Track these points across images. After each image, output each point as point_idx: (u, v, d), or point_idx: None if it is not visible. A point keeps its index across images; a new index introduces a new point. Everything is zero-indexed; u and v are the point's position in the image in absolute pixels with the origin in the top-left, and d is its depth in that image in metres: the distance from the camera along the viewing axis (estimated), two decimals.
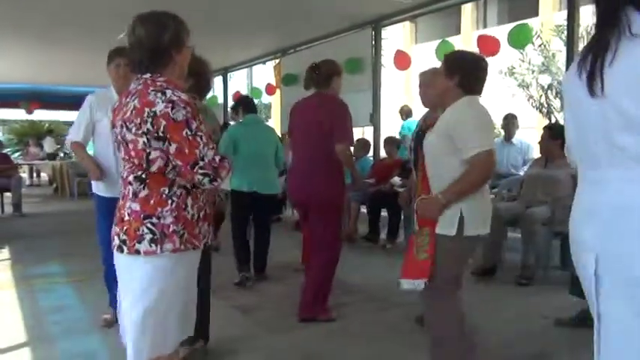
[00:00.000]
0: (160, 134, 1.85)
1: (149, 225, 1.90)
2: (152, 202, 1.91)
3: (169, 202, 1.92)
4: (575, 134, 1.49)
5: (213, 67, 3.43)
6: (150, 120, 1.85)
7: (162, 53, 1.96)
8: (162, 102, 1.85)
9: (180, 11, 2.05)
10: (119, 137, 1.96)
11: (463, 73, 2.57)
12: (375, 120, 7.23)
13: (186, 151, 1.86)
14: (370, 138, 7.54)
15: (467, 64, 2.62)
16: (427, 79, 3.43)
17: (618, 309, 1.36)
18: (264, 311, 4.06)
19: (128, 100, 1.94)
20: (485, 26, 19.45)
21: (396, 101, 19.26)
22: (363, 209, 6.80)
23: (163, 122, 1.84)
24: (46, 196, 12.19)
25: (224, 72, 12.00)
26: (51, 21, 7.31)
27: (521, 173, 6.01)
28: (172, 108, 1.85)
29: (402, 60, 7.13)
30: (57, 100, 14.57)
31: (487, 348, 3.30)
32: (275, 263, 5.27)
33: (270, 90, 10.51)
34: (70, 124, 17.19)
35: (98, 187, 3.57)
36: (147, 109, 1.85)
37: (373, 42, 7.31)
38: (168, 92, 1.87)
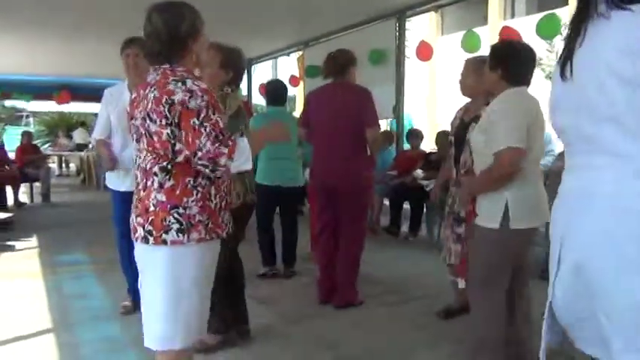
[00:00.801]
0: (176, 121, 1.87)
1: (176, 215, 1.92)
2: (178, 192, 1.93)
3: (195, 192, 1.95)
4: (555, 120, 1.46)
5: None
6: (167, 107, 1.86)
7: (180, 43, 1.96)
8: (182, 91, 1.86)
9: (204, 3, 2.05)
10: (141, 129, 1.96)
11: (507, 65, 2.49)
12: (398, 112, 7.17)
13: (190, 139, 1.87)
14: (393, 129, 7.49)
15: (511, 54, 2.53)
16: (467, 68, 3.34)
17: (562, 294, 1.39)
18: (284, 302, 4.07)
19: (147, 91, 1.94)
20: (513, 16, 19.10)
21: (421, 93, 19.10)
22: (385, 202, 6.77)
23: (179, 109, 1.86)
24: (74, 186, 12.43)
25: (248, 64, 12.03)
26: (81, 14, 7.42)
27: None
28: (190, 97, 1.86)
29: (425, 51, 7.04)
30: (87, 92, 14.81)
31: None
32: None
33: (293, 82, 10.49)
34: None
35: (110, 181, 3.64)
36: (165, 97, 1.86)
37: (397, 33, 7.22)
38: (189, 82, 1.89)
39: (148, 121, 1.91)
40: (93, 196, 10.44)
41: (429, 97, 20.72)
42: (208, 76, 2.94)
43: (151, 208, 1.94)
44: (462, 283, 2.64)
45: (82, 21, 7.73)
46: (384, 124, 9.72)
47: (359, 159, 3.82)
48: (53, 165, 14.17)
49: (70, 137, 15.08)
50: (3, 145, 9.53)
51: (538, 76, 14.33)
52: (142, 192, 1.99)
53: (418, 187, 6.24)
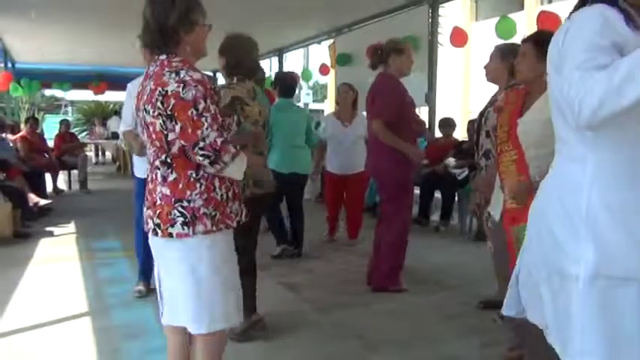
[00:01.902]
0: (169, 113, 1.86)
1: (180, 209, 1.93)
2: (181, 185, 1.93)
3: (198, 185, 1.94)
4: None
5: (265, 47, 3.41)
6: (160, 99, 1.86)
7: (170, 33, 1.93)
8: (175, 82, 1.85)
9: None
10: (142, 121, 1.98)
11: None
12: (430, 100, 7.07)
13: (189, 131, 1.85)
14: (425, 118, 7.40)
15: None
16: (494, 54, 3.25)
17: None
18: (313, 289, 4.09)
19: (146, 83, 1.95)
20: (550, 1, 18.58)
21: (454, 81, 18.79)
22: (416, 190, 6.70)
23: (172, 101, 1.85)
24: (110, 174, 12.70)
25: (279, 52, 12.03)
26: (118, 5, 7.55)
27: None
28: (183, 87, 1.85)
29: (459, 37, 6.91)
30: (123, 81, 15.10)
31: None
32: (322, 243, 5.32)
33: (324, 70, 10.46)
34: None
35: (138, 169, 3.73)
36: (159, 89, 1.86)
37: (430, 20, 7.11)
38: (182, 72, 1.87)
39: (144, 113, 1.93)
40: (128, 183, 10.57)
41: (463, 84, 20.40)
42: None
43: (158, 202, 1.97)
44: None
45: (119, 12, 7.85)
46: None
47: (385, 151, 3.86)
48: (90, 153, 14.50)
49: (105, 126, 15.39)
50: (43, 134, 9.79)
51: None
52: (149, 184, 2.03)
53: (450, 175, 6.16)
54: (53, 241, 5.67)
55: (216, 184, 1.98)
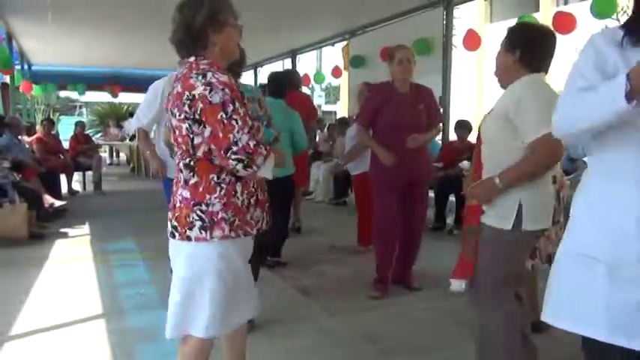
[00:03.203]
0: (197, 117, 1.84)
1: (198, 212, 1.92)
2: (201, 189, 1.93)
3: (218, 189, 1.93)
4: None
5: (279, 49, 3.39)
6: (188, 103, 1.85)
7: (198, 34, 1.93)
8: (202, 85, 1.84)
9: None
10: (169, 123, 1.99)
11: (525, 48, 2.28)
12: (444, 102, 7.03)
13: (220, 135, 1.84)
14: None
15: (530, 37, 2.32)
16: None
17: None
18: (326, 293, 4.07)
19: (175, 85, 1.95)
20: (566, 2, 18.42)
21: (467, 83, 18.68)
22: (430, 194, 6.66)
23: (200, 105, 1.83)
24: (124, 175, 12.79)
25: (292, 54, 12.04)
26: (133, 9, 7.61)
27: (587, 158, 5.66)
28: (210, 90, 1.83)
29: (472, 40, 6.86)
30: (136, 83, 15.20)
31: (566, 342, 3.17)
32: (337, 246, 5.30)
33: (336, 72, 10.46)
34: None
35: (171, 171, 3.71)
36: (186, 93, 1.85)
37: (444, 22, 7.08)
38: (209, 75, 1.86)
39: (171, 116, 1.93)
40: (142, 184, 10.71)
41: (477, 87, 20.27)
42: None
43: (177, 204, 1.97)
44: (455, 285, 2.41)
45: (134, 14, 7.91)
46: None
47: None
48: (104, 154, 14.61)
49: (120, 127, 15.50)
50: (58, 135, 9.88)
51: None
52: (173, 187, 2.03)
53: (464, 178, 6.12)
54: (68, 242, 5.72)
55: (238, 189, 1.96)
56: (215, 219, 1.92)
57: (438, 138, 7.37)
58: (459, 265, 2.45)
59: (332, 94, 31.38)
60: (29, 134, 9.21)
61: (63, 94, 23.87)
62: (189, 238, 1.94)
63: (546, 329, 3.29)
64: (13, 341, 3.20)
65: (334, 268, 4.78)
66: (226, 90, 1.85)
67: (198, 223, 1.92)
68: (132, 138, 13.96)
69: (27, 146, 8.04)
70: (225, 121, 1.83)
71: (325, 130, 10.06)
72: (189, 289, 1.98)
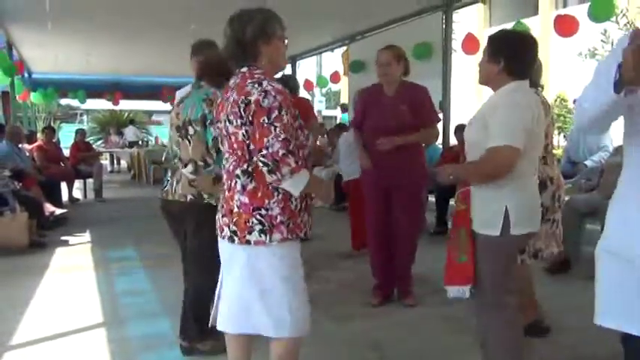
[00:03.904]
0: (249, 119, 1.95)
1: (258, 216, 2.01)
2: (259, 194, 2.01)
3: (275, 193, 2.02)
4: None
5: None
6: (243, 107, 1.95)
7: (248, 46, 2.03)
8: (257, 92, 1.94)
9: (247, 3, 2.07)
10: (223, 131, 2.07)
11: (508, 56, 2.29)
12: (444, 107, 7.02)
13: (257, 136, 1.94)
14: (439, 125, 7.34)
15: (511, 45, 2.33)
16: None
17: None
18: (328, 299, 4.05)
19: (229, 94, 2.04)
20: (565, 5, 18.45)
21: (467, 87, 18.70)
22: (431, 198, 6.65)
23: (253, 108, 1.94)
24: (125, 182, 12.78)
25: (292, 60, 12.04)
26: (134, 19, 7.64)
27: (589, 162, 5.66)
28: (264, 96, 1.94)
29: (472, 44, 6.86)
30: (136, 90, 15.23)
31: (567, 345, 3.16)
32: (336, 251, 5.28)
33: (335, 78, 10.48)
34: (149, 113, 17.96)
35: None
36: (242, 98, 1.96)
37: (444, 26, 7.08)
38: (264, 83, 1.97)
39: (227, 123, 2.02)
40: (143, 192, 10.70)
41: (477, 91, 20.27)
42: None
43: (235, 210, 2.04)
44: (454, 292, 2.42)
45: (133, 22, 7.93)
46: None
47: None
48: (105, 162, 14.61)
49: (120, 134, 15.51)
50: (59, 143, 9.88)
51: (592, 67, 13.76)
52: (227, 192, 2.10)
53: None
54: (69, 251, 5.70)
55: (281, 186, 2.02)
56: (274, 222, 2.02)
57: (439, 142, 7.37)
58: (452, 271, 2.44)
59: (332, 99, 31.43)
60: (30, 142, 9.22)
61: (64, 101, 23.86)
62: (248, 242, 2.02)
63: (547, 329, 3.31)
64: (14, 350, 3.19)
65: (336, 273, 4.76)
66: (278, 97, 1.95)
67: (257, 227, 2.01)
68: (131, 145, 13.99)
69: (27, 154, 8.03)
70: (265, 125, 1.93)
71: (325, 135, 10.06)
72: (254, 290, 2.06)
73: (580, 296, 4.04)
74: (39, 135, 9.82)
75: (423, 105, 3.81)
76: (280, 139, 1.92)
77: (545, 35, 15.17)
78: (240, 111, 1.95)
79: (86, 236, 6.41)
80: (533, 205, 2.38)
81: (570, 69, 15.31)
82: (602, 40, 13.73)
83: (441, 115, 7.14)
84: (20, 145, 7.66)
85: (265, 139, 1.92)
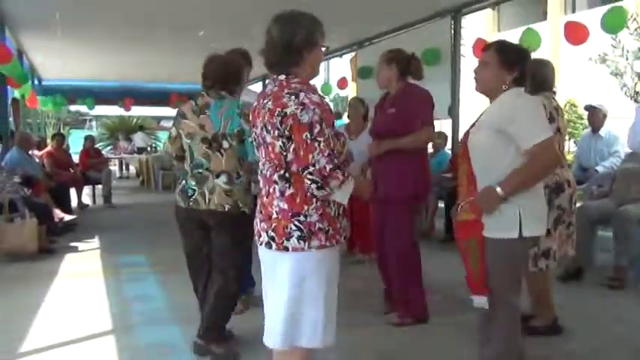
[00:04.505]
0: (287, 134, 1.93)
1: (297, 223, 2.00)
2: (298, 200, 2.00)
3: (314, 200, 2.00)
4: None
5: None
6: (279, 119, 1.93)
7: (294, 52, 2.00)
8: (295, 104, 1.92)
9: (255, 5, 2.06)
10: (260, 138, 2.06)
11: (522, 68, 2.41)
12: (453, 112, 7.00)
13: (301, 153, 1.92)
14: (448, 131, 7.32)
15: (524, 58, 2.46)
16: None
17: None
18: (338, 308, 4.01)
19: (265, 102, 2.01)
20: (574, 11, 18.39)
21: (476, 92, 18.64)
22: (440, 204, 6.62)
23: (291, 122, 1.92)
24: (134, 188, 12.82)
25: None
26: (143, 27, 7.69)
27: (600, 168, 5.61)
28: (302, 110, 1.91)
29: (481, 49, 6.83)
30: (145, 97, 15.31)
31: (581, 354, 3.12)
32: (345, 257, 5.26)
33: (342, 83, 10.47)
34: (157, 118, 17.98)
35: None
36: (278, 109, 1.93)
37: (452, 31, 7.06)
38: (302, 95, 1.94)
39: (264, 132, 2.00)
40: (151, 197, 10.73)
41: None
42: None
43: (274, 215, 2.03)
44: (479, 301, 2.42)
45: (142, 29, 7.97)
46: (438, 125, 9.56)
47: None
48: (114, 168, 14.66)
49: (129, 140, 15.57)
50: (68, 149, 9.93)
51: (603, 72, 13.83)
52: (264, 198, 2.09)
53: None
54: (78, 257, 5.71)
55: (331, 199, 2.03)
56: (313, 229, 2.00)
57: (448, 147, 7.34)
58: (472, 282, 2.43)
59: (340, 105, 31.44)
60: (39, 148, 9.26)
61: (73, 107, 24.01)
62: (286, 249, 2.01)
63: (561, 329, 3.29)
64: (24, 358, 3.18)
65: (346, 280, 4.71)
66: (317, 110, 1.93)
67: (296, 234, 1.99)
68: (140, 151, 14.03)
69: (37, 160, 8.07)
70: (309, 142, 1.91)
71: None
72: (293, 298, 2.04)
73: (591, 304, 4.01)
74: (49, 141, 9.87)
75: (407, 108, 3.56)
76: (325, 154, 1.91)
77: (555, 41, 15.12)
78: (277, 122, 1.94)
79: (95, 242, 6.43)
80: (542, 207, 2.45)
81: (580, 74, 15.23)
82: (612, 46, 13.69)
83: (449, 121, 7.17)
84: (30, 152, 7.70)
85: (310, 156, 1.91)
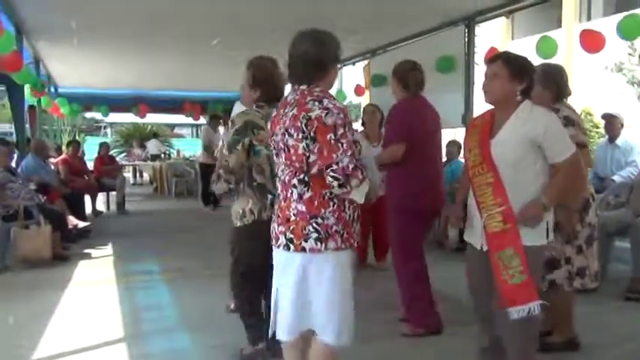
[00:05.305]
0: (312, 135, 2.05)
1: (315, 225, 2.11)
2: (316, 203, 2.11)
3: (331, 203, 2.12)
4: None
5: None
6: (304, 122, 2.06)
7: (324, 67, 2.19)
8: (319, 109, 2.06)
9: (270, 15, 2.10)
10: (280, 144, 2.16)
11: (530, 79, 2.53)
12: (467, 121, 6.94)
13: (325, 153, 2.04)
14: (462, 139, 7.27)
15: (531, 69, 2.57)
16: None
17: None
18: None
19: (287, 110, 2.14)
20: (589, 18, 18.23)
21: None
22: None
23: (316, 124, 2.05)
24: (147, 195, 12.90)
25: None
26: (155, 30, 7.74)
27: (617, 177, 5.53)
28: (327, 113, 2.05)
29: None
30: (159, 104, 15.41)
31: None
32: (357, 266, 5.22)
33: (359, 91, 10.44)
34: (171, 126, 17.99)
35: None
36: (303, 113, 2.07)
37: (466, 39, 7.02)
38: (325, 101, 2.09)
39: (286, 136, 2.11)
40: (165, 204, 10.78)
41: None
42: (243, 97, 3.00)
43: (292, 218, 2.14)
44: (517, 312, 2.41)
45: (158, 37, 8.03)
46: (452, 134, 9.52)
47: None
48: (128, 174, 14.77)
49: (143, 147, 15.68)
50: (84, 156, 10.01)
51: (619, 81, 13.70)
52: (282, 202, 2.20)
53: None
54: (91, 264, 5.74)
55: (346, 203, 2.15)
56: (330, 231, 2.12)
57: (461, 157, 7.28)
58: (510, 293, 2.42)
59: (353, 112, 31.49)
60: (58, 155, 9.35)
61: (88, 114, 24.30)
62: (303, 250, 2.12)
63: (578, 345, 3.24)
64: None
65: (358, 290, 4.67)
66: (341, 115, 2.08)
67: (314, 235, 2.11)
68: (154, 158, 14.12)
69: (53, 167, 8.14)
70: (333, 142, 2.04)
71: None
72: (303, 294, 2.16)
73: (608, 317, 3.94)
74: (64, 148, 9.96)
75: (388, 122, 3.72)
76: (348, 154, 2.04)
77: (569, 49, 15.00)
78: (301, 126, 2.06)
79: (108, 249, 6.46)
80: (550, 214, 2.57)
81: (596, 83, 15.09)
82: (628, 54, 13.54)
83: (462, 129, 7.11)
84: (46, 159, 7.76)
85: (334, 155, 2.03)
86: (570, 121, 3.01)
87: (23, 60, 6.63)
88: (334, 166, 2.03)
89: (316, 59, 2.16)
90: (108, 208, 9.81)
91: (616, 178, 5.59)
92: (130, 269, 5.44)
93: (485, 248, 2.53)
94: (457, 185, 6.23)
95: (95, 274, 5.25)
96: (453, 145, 7.02)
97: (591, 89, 14.92)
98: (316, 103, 2.07)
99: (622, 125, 5.81)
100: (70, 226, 6.60)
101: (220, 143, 3.36)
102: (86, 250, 6.27)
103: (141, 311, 4.17)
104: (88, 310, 4.15)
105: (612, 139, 5.85)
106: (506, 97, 2.51)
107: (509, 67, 2.49)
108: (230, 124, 2.95)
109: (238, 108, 3.43)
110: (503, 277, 2.41)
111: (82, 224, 6.99)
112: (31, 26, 7.24)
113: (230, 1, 5.98)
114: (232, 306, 3.64)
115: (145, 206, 10.61)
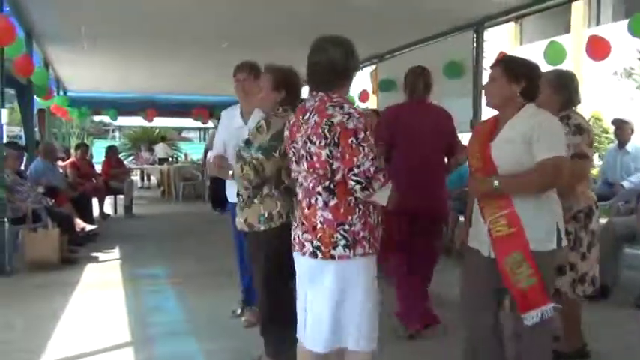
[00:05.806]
0: (335, 141, 2.07)
1: (342, 232, 2.12)
2: (342, 210, 2.13)
3: (357, 209, 2.14)
4: None
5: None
6: (327, 128, 2.08)
7: (348, 75, 2.24)
8: (340, 114, 2.08)
9: (279, 20, 2.10)
10: (302, 152, 2.17)
11: (529, 81, 2.48)
12: (476, 125, 6.92)
13: (347, 156, 2.06)
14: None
15: (531, 71, 2.53)
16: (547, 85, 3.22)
17: None
18: None
19: (307, 117, 2.16)
20: (598, 23, 18.15)
21: None
22: (461, 218, 6.53)
23: (338, 129, 2.07)
24: (154, 198, 12.93)
25: None
26: (166, 41, 7.81)
27: (627, 183, 5.49)
28: (348, 119, 2.08)
29: None
30: (167, 108, 15.48)
31: None
32: None
33: (363, 97, 10.45)
34: (178, 129, 18.09)
35: (230, 195, 3.56)
36: (325, 120, 2.09)
37: (474, 44, 7.01)
38: (346, 106, 2.12)
39: (308, 144, 2.13)
40: (172, 208, 10.80)
41: None
42: (260, 99, 2.94)
43: (319, 226, 2.15)
44: (532, 317, 2.38)
45: (167, 42, 8.07)
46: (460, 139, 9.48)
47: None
48: (135, 178, 14.82)
49: (151, 151, 15.74)
50: (92, 159, 10.06)
51: (630, 86, 13.64)
52: (305, 210, 2.20)
53: None
54: (98, 267, 5.75)
55: (371, 209, 2.18)
56: (357, 238, 2.13)
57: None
58: (523, 298, 2.39)
59: None
60: (63, 159, 9.39)
61: (97, 118, 24.44)
62: (332, 257, 2.13)
63: (588, 354, 3.20)
64: None
65: None
66: (361, 119, 2.10)
67: (342, 242, 2.12)
68: (161, 162, 14.17)
69: (61, 171, 8.18)
70: (354, 146, 2.06)
71: None
72: (339, 304, 2.16)
73: (619, 325, 3.89)
74: (72, 151, 10.01)
75: None
76: (370, 158, 2.06)
77: (578, 54, 14.94)
78: (324, 132, 2.08)
79: (116, 252, 6.47)
80: (562, 219, 2.56)
81: (605, 88, 15.01)
82: (638, 59, 13.45)
83: (470, 135, 7.09)
84: (54, 163, 7.80)
85: (356, 159, 2.05)
86: (580, 129, 2.99)
87: (34, 63, 6.68)
88: (355, 170, 2.05)
89: (344, 67, 2.19)
90: (115, 211, 9.84)
91: (625, 183, 5.55)
92: (137, 273, 5.45)
93: (492, 255, 2.50)
94: (467, 189, 6.26)
95: (102, 278, 5.26)
96: (461, 149, 6.99)
97: (600, 94, 14.84)
98: (337, 109, 2.09)
99: (632, 131, 5.78)
100: (78, 229, 6.62)
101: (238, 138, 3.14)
102: (93, 254, 6.29)
103: (147, 315, 4.17)
104: (95, 314, 4.16)
105: (622, 144, 5.81)
106: (506, 100, 2.49)
107: (506, 69, 2.49)
108: (264, 126, 2.79)
109: (258, 113, 3.35)
110: (512, 282, 2.39)
111: (89, 227, 7.02)
112: (41, 30, 7.29)
113: (239, 7, 6.01)
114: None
115: (152, 210, 10.64)
